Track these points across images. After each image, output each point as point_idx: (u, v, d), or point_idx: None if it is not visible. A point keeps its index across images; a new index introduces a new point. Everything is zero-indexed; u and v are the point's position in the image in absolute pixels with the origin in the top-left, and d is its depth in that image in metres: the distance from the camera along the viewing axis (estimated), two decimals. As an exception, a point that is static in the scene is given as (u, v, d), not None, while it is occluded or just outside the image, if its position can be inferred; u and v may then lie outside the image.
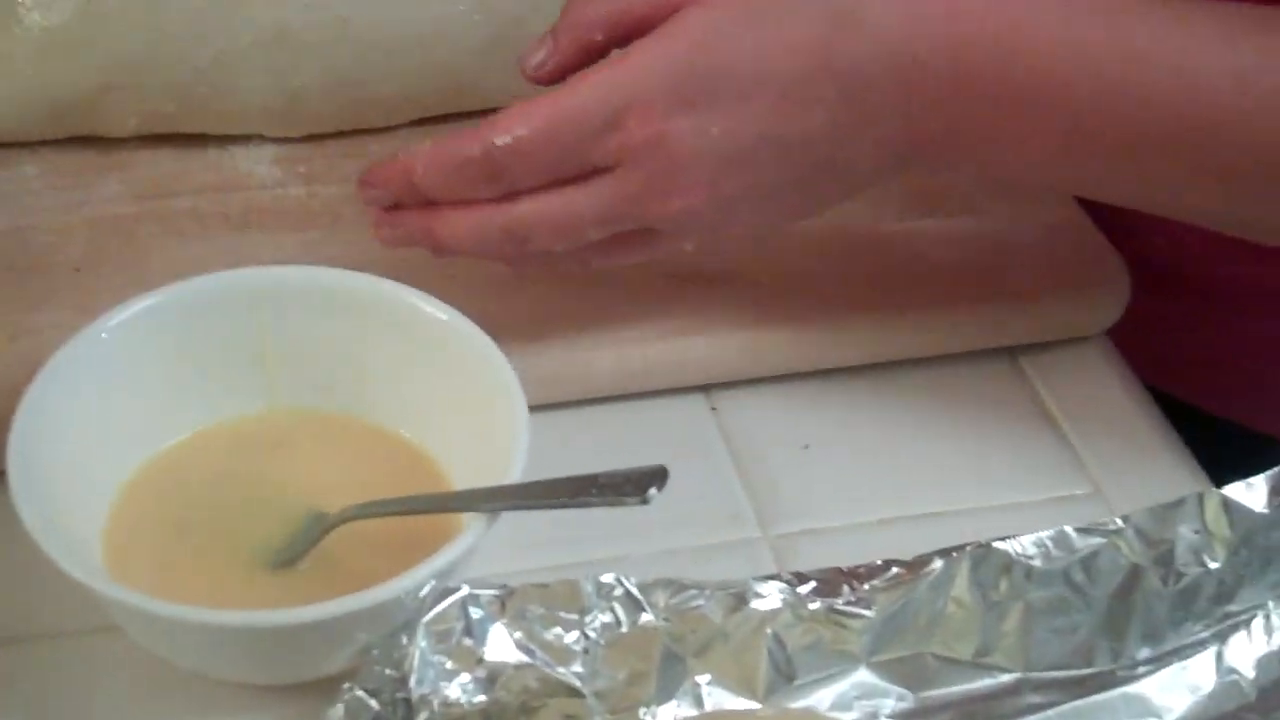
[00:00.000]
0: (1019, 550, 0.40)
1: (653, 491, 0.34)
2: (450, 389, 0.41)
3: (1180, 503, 0.41)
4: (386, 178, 0.43)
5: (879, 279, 0.51)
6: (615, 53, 0.43)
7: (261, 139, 0.53)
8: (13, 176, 0.51)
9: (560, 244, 0.43)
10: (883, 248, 0.52)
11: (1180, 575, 0.40)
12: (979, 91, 0.42)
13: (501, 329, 0.45)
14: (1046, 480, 0.48)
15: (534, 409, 0.42)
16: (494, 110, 0.47)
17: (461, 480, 0.42)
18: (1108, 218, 0.54)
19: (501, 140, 0.40)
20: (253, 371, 0.43)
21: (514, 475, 0.37)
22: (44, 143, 0.52)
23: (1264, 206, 0.44)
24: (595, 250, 0.43)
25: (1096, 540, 0.40)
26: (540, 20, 0.51)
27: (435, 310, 0.41)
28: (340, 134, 0.54)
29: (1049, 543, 0.40)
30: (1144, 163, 0.42)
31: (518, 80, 0.54)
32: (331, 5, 0.51)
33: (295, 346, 0.43)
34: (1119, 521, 0.40)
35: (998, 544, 0.40)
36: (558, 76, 0.43)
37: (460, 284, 0.48)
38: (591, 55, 0.43)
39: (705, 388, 0.49)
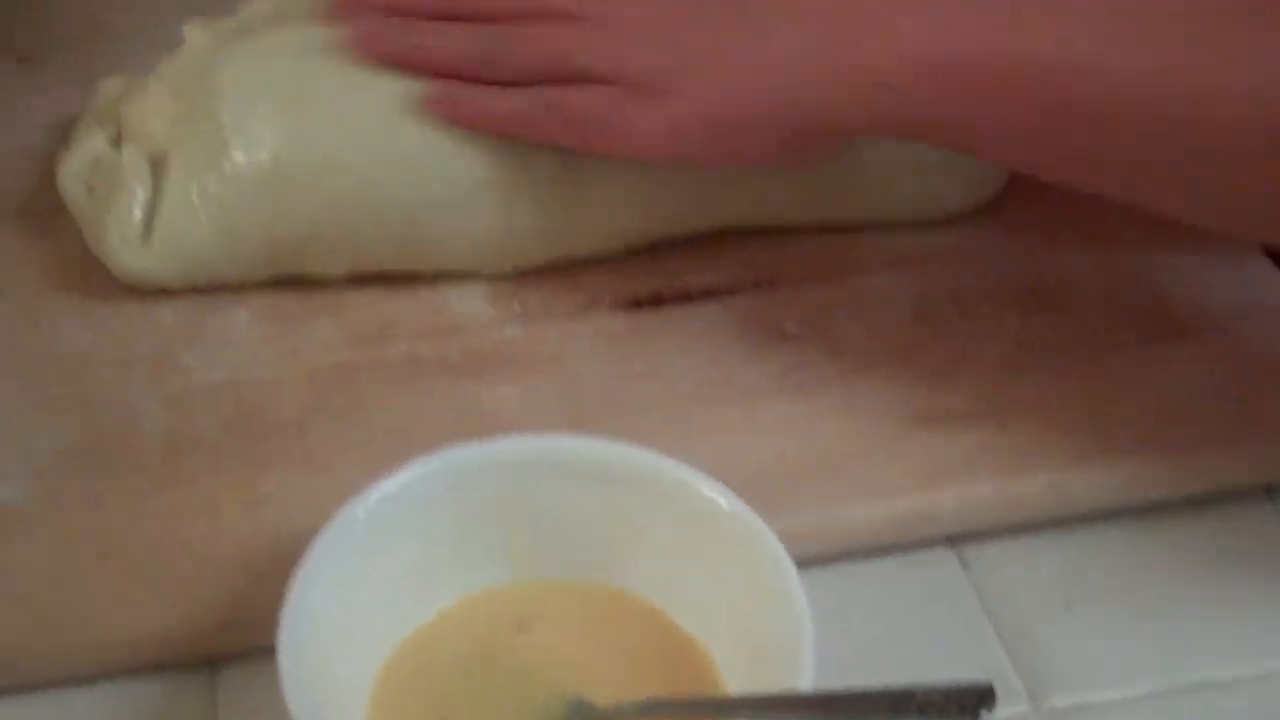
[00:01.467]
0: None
1: (984, 715, 0.31)
2: (717, 572, 0.39)
3: None
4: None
5: (1128, 411, 0.48)
6: None
7: (473, 275, 0.51)
8: (225, 324, 0.50)
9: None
10: (1125, 377, 0.49)
11: None
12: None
13: (738, 480, 0.43)
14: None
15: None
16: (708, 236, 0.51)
17: (727, 664, 0.39)
18: None
19: None
20: (502, 542, 0.41)
21: (803, 681, 0.35)
22: (252, 285, 0.51)
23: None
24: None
25: None
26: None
27: (712, 492, 0.39)
28: (553, 266, 0.52)
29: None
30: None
31: (729, 208, 0.53)
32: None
33: (548, 517, 0.41)
34: None
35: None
36: None
37: (700, 427, 0.47)
38: None
39: (952, 540, 0.46)
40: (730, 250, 0.54)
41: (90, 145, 0.51)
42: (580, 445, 0.41)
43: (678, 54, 0.46)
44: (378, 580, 0.39)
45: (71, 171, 0.51)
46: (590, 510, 0.40)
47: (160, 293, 0.50)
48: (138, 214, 0.49)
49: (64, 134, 0.57)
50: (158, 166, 0.50)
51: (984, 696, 0.32)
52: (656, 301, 0.52)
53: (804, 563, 0.45)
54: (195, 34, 0.51)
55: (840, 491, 0.45)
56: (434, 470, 0.40)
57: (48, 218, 0.54)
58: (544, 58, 0.48)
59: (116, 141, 0.52)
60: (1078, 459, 0.47)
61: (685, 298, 0.52)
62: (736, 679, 0.39)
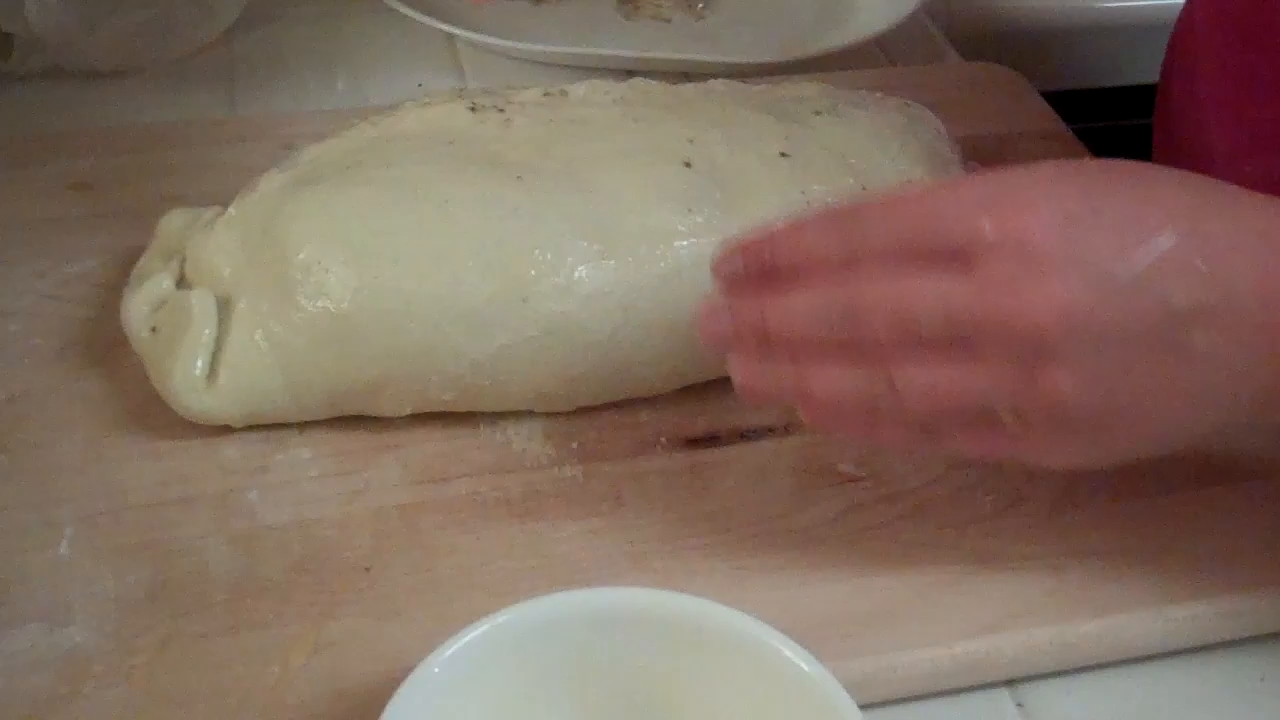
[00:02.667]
0: None
1: None
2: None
3: None
4: (745, 247, 0.45)
5: (1181, 554, 0.49)
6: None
7: (531, 414, 0.52)
8: (289, 461, 0.51)
9: (893, 335, 0.42)
10: (1177, 519, 0.50)
11: None
12: None
13: (796, 625, 0.43)
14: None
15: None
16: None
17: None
18: None
19: (864, 209, 0.43)
20: (575, 691, 0.41)
21: None
22: (314, 422, 0.52)
23: None
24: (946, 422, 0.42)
25: None
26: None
27: (796, 657, 0.39)
28: (609, 405, 0.53)
29: None
30: None
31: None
32: (614, 294, 0.50)
33: (620, 667, 0.41)
34: None
35: None
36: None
37: (759, 571, 0.47)
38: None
39: (1009, 682, 0.47)
40: (782, 388, 0.55)
41: (154, 284, 0.53)
42: (655, 599, 0.41)
43: (1108, 400, 0.40)
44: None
45: (136, 311, 0.52)
46: (661, 662, 0.41)
47: (224, 429, 0.51)
48: (202, 358, 0.50)
49: (123, 262, 0.58)
50: (223, 309, 0.51)
51: None
52: (712, 440, 0.53)
53: (860, 707, 0.46)
54: (267, 179, 0.52)
55: (898, 638, 0.46)
56: (505, 625, 0.40)
57: (109, 350, 0.55)
58: (942, 407, 0.42)
59: (180, 279, 0.54)
60: (1133, 603, 0.47)
61: (740, 436, 0.53)
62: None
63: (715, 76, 0.62)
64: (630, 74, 0.64)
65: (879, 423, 0.43)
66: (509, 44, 0.77)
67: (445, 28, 0.76)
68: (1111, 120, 0.88)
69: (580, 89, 0.56)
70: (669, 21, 0.82)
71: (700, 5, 0.83)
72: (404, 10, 0.77)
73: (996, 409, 0.41)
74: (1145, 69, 0.89)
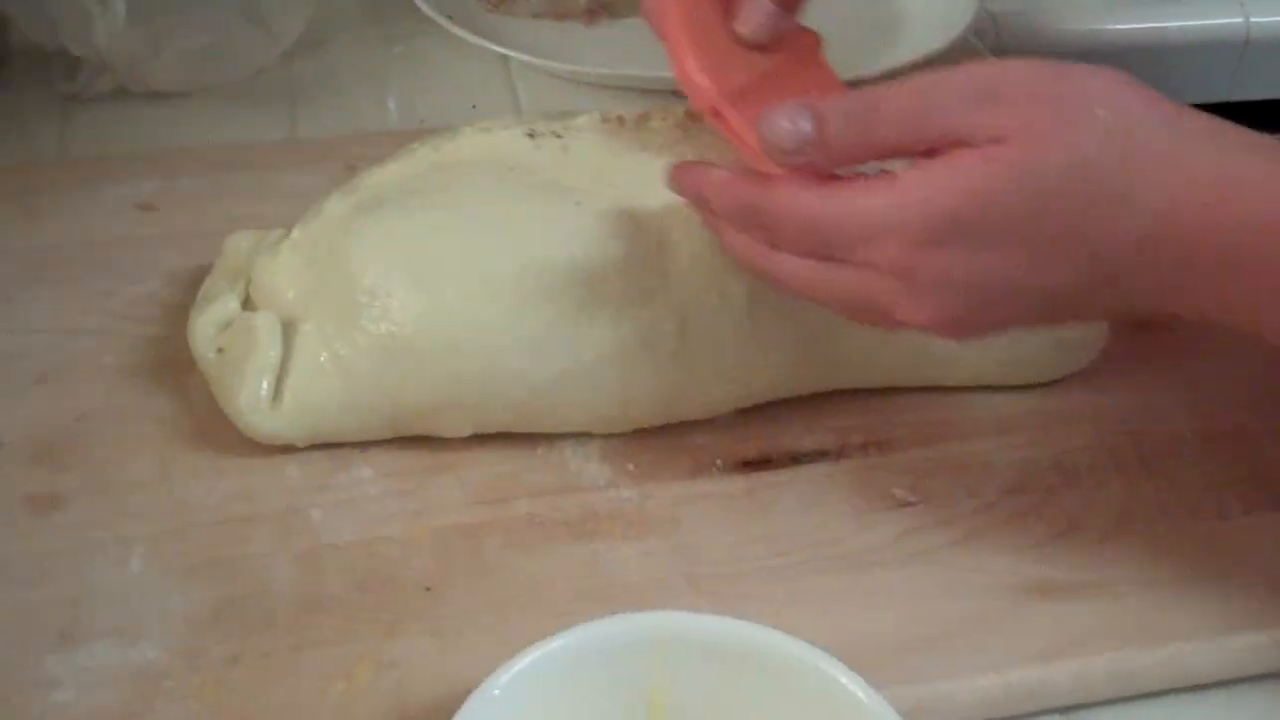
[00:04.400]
0: None
1: None
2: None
3: None
4: (685, 182, 0.50)
5: (1240, 582, 0.49)
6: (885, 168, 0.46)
7: (589, 435, 0.53)
8: (351, 480, 0.52)
9: (801, 297, 0.49)
10: (1234, 547, 0.50)
11: None
12: (1246, 274, 0.42)
13: (851, 650, 0.43)
14: None
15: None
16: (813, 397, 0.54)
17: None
18: None
19: (771, 207, 0.47)
20: (632, 715, 0.41)
21: None
22: (375, 443, 0.53)
23: None
24: None
25: None
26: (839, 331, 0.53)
27: (852, 684, 0.39)
28: (664, 427, 0.54)
29: None
30: None
31: (835, 373, 0.55)
32: (671, 318, 0.51)
33: (679, 692, 0.41)
34: None
35: None
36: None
37: (813, 596, 0.48)
38: None
39: (1064, 709, 0.47)
40: (835, 411, 0.55)
41: (221, 306, 0.54)
42: (713, 625, 0.41)
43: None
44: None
45: (203, 332, 0.53)
46: (720, 686, 0.41)
47: (287, 448, 0.52)
48: (268, 379, 0.51)
49: (189, 283, 0.60)
50: (288, 331, 0.52)
51: None
52: (766, 463, 0.53)
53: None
54: (331, 203, 0.53)
55: (952, 664, 0.46)
56: (565, 648, 0.40)
57: (176, 369, 0.56)
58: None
59: (245, 300, 0.55)
60: (1191, 632, 0.47)
61: (794, 460, 0.53)
62: None
63: (769, 100, 0.62)
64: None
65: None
66: (563, 66, 0.78)
67: (499, 49, 0.77)
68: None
69: (635, 113, 0.57)
70: (722, 43, 0.83)
71: (751, 26, 0.84)
72: (458, 32, 0.78)
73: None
74: (1193, 90, 0.89)
